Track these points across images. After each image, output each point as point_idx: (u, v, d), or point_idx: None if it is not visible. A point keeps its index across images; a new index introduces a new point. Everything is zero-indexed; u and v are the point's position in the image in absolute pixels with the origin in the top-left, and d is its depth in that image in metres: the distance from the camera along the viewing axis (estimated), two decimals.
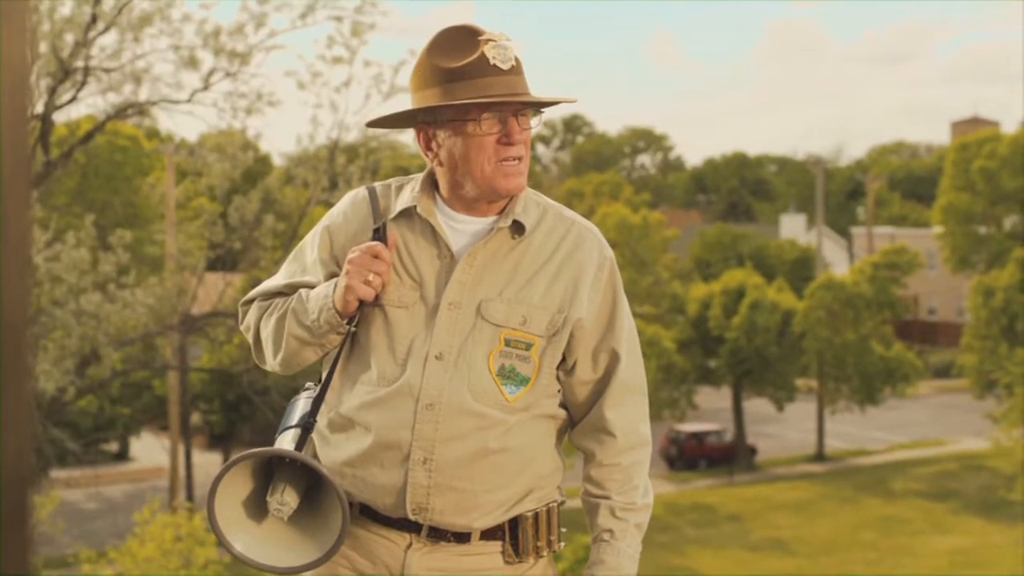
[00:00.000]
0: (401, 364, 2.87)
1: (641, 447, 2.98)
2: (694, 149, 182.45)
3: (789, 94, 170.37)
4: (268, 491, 2.81)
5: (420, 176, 3.01)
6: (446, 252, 2.92)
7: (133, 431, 38.81)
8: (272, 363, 3.04)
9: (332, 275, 2.99)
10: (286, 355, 3.00)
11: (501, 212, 2.93)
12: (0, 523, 0.78)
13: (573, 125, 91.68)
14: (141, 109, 19.67)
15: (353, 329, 2.91)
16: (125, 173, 32.78)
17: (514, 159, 2.84)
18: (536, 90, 2.90)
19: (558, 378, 2.95)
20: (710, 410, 45.28)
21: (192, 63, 18.60)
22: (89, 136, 19.94)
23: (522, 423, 2.88)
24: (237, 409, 36.77)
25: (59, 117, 18.82)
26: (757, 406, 45.17)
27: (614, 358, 2.96)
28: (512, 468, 2.88)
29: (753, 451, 41.24)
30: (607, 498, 2.94)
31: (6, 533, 0.79)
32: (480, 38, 2.83)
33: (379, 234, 2.95)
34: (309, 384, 3.12)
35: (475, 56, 2.81)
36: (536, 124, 2.89)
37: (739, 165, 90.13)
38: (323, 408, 2.95)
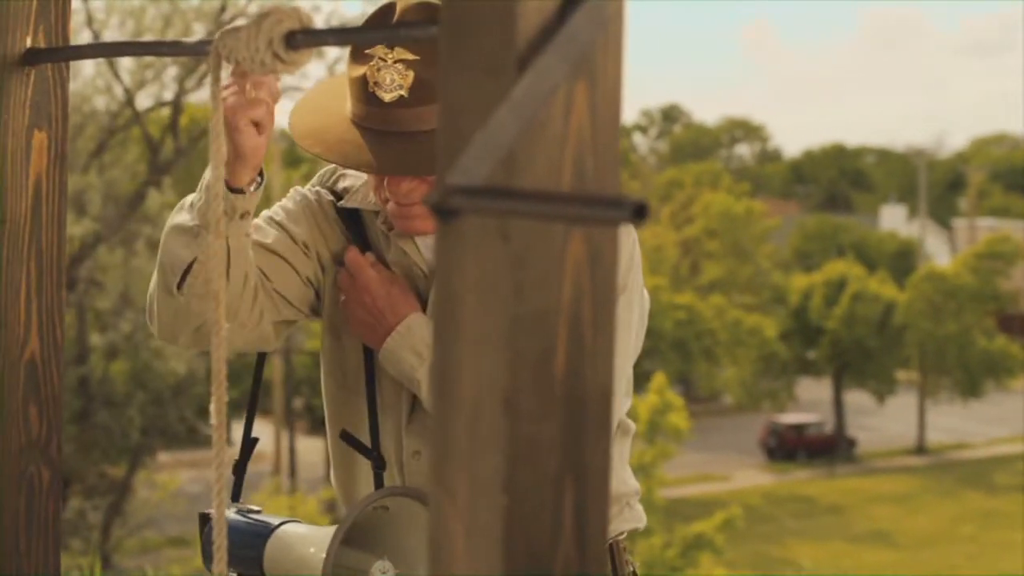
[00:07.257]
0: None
1: None
2: (791, 137, 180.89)
3: (887, 83, 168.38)
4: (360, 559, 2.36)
5: None
6: (419, 271, 2.32)
7: (234, 415, 39.33)
8: (162, 297, 2.26)
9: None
10: (163, 263, 2.24)
11: None
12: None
13: (671, 115, 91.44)
14: None
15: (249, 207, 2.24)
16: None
17: (404, 204, 2.24)
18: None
19: None
20: (810, 401, 45.05)
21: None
22: None
23: None
24: None
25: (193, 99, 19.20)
26: (857, 398, 44.89)
27: None
28: None
29: (852, 443, 41.01)
30: None
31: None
32: (373, 53, 2.16)
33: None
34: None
35: (362, 71, 2.17)
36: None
37: (837, 156, 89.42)
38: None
